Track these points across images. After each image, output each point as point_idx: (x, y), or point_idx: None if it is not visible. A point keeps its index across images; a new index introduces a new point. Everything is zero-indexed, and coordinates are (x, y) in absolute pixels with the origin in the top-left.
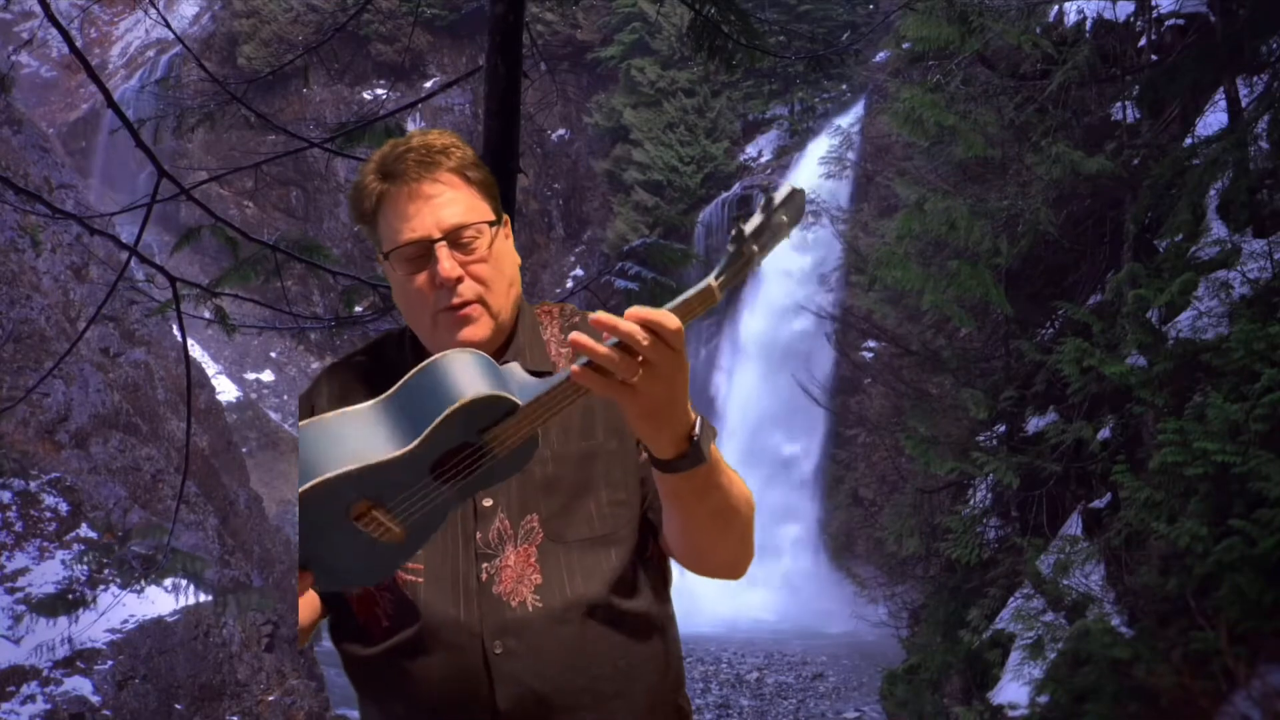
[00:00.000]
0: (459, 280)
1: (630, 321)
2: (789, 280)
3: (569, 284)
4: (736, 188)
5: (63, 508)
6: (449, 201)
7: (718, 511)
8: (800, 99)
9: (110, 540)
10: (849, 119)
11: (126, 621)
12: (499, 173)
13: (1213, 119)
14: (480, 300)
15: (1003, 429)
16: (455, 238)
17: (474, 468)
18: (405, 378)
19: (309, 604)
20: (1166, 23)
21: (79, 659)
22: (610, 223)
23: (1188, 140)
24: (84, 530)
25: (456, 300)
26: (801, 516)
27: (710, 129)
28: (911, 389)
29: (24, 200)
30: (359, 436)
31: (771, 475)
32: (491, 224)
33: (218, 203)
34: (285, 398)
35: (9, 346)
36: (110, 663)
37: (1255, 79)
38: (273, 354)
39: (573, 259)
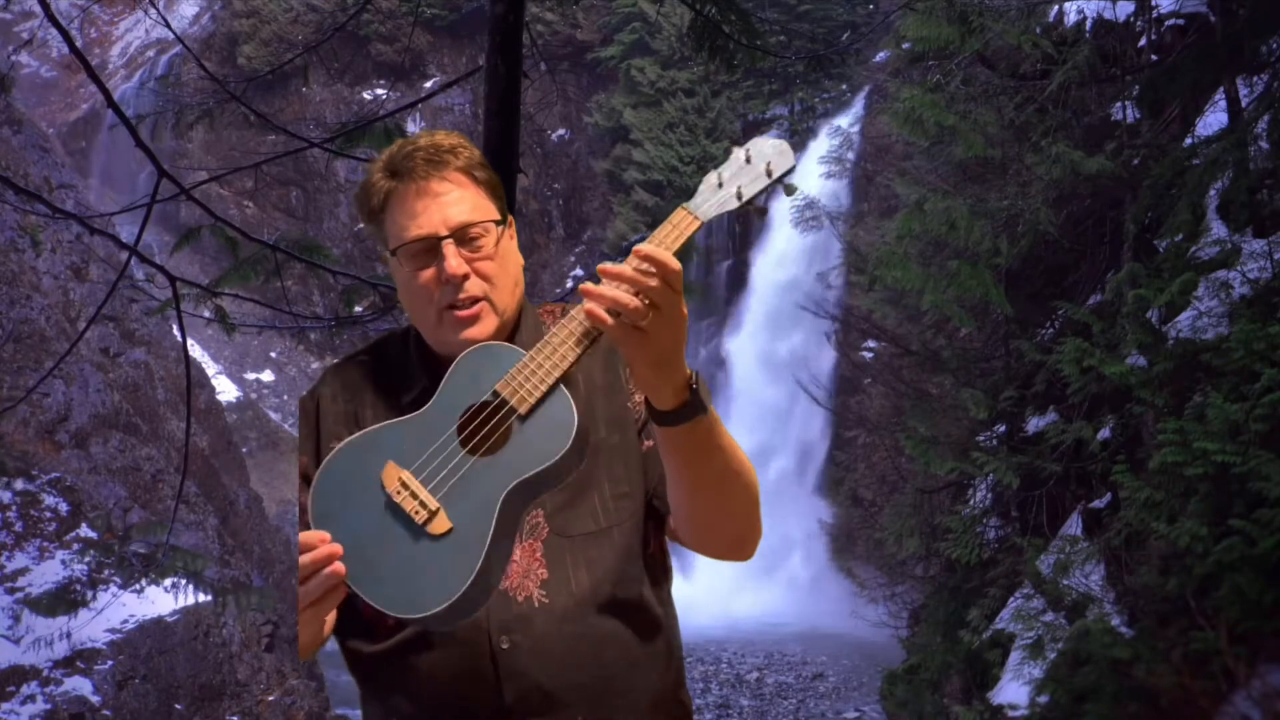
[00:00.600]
0: (465, 277)
1: (636, 262)
2: (789, 281)
3: (569, 284)
4: None
5: (63, 508)
6: (456, 200)
7: (723, 475)
8: (800, 99)
9: (110, 540)
10: (849, 119)
11: (126, 621)
12: (499, 173)
13: (1213, 119)
14: (486, 298)
15: (1003, 429)
16: (462, 235)
17: (496, 428)
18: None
19: (327, 621)
20: (1166, 23)
21: (79, 659)
22: (610, 223)
23: (1188, 140)
24: (84, 530)
25: (463, 296)
26: (802, 516)
27: (710, 129)
28: (911, 389)
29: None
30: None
31: (771, 475)
32: (498, 223)
33: (218, 203)
34: (285, 398)
35: (9, 346)
36: (110, 663)
37: (1255, 79)
38: (273, 354)
39: (573, 259)
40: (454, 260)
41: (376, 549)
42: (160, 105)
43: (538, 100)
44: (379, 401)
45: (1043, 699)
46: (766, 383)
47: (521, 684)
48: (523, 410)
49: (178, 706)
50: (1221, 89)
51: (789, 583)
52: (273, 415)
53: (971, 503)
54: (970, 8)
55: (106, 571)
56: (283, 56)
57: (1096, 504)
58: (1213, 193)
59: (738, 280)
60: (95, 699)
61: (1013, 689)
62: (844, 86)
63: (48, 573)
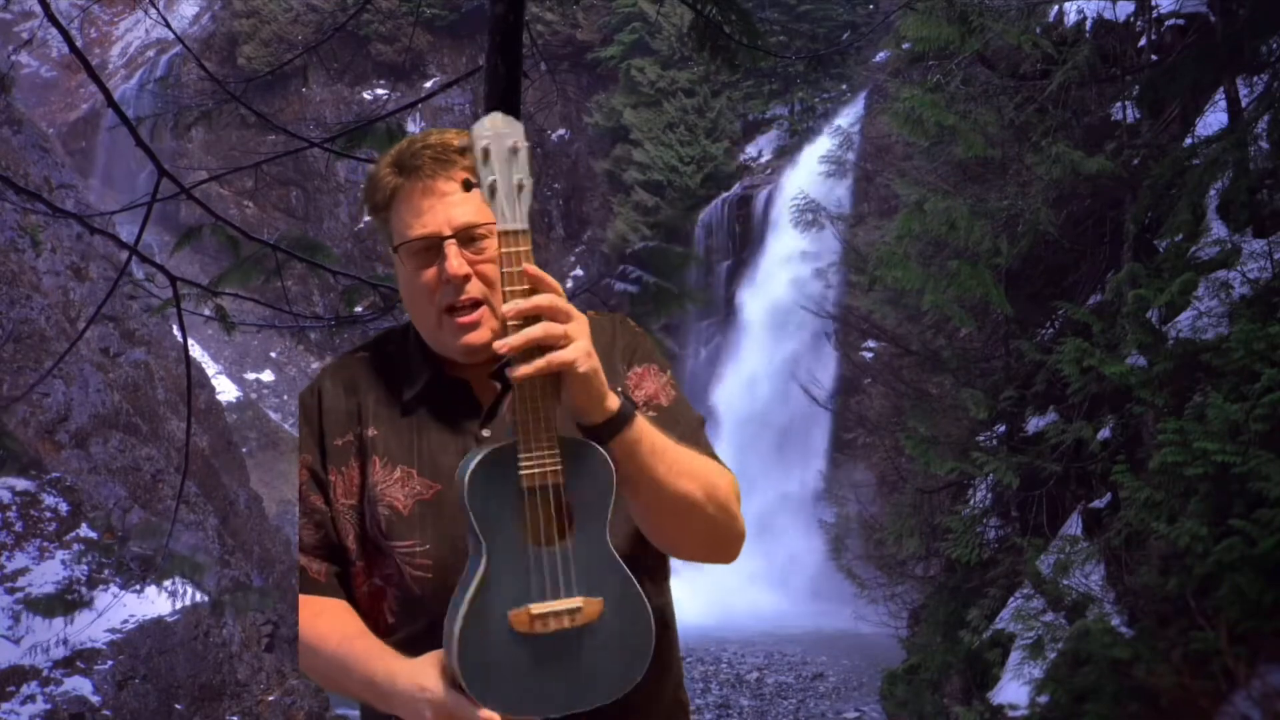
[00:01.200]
0: (466, 278)
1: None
2: (789, 281)
3: (569, 284)
4: (736, 188)
5: (63, 508)
6: (462, 200)
7: (667, 483)
8: (800, 99)
9: (110, 540)
10: (849, 119)
11: (126, 621)
12: None
13: (1213, 119)
14: (486, 301)
15: (1003, 429)
16: (465, 236)
17: (555, 510)
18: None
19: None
20: (1166, 23)
21: (79, 659)
22: (610, 223)
23: (1188, 140)
24: (84, 530)
25: (464, 298)
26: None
27: (710, 129)
28: (911, 389)
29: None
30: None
31: (771, 475)
32: None
33: (218, 203)
34: (285, 398)
35: (9, 346)
36: (110, 663)
37: (1255, 79)
38: (273, 354)
39: (573, 259)
40: (455, 261)
41: (570, 674)
42: (160, 106)
43: (538, 100)
44: (380, 397)
45: (1043, 699)
46: (766, 383)
47: None
48: (562, 481)
49: (178, 706)
50: (1221, 89)
51: (789, 583)
52: (273, 415)
53: (971, 503)
54: (970, 8)
55: (106, 572)
56: (283, 56)
57: (1096, 504)
58: (1213, 193)
59: (738, 280)
60: (95, 699)
61: (1013, 689)
62: (844, 86)
63: (48, 573)
